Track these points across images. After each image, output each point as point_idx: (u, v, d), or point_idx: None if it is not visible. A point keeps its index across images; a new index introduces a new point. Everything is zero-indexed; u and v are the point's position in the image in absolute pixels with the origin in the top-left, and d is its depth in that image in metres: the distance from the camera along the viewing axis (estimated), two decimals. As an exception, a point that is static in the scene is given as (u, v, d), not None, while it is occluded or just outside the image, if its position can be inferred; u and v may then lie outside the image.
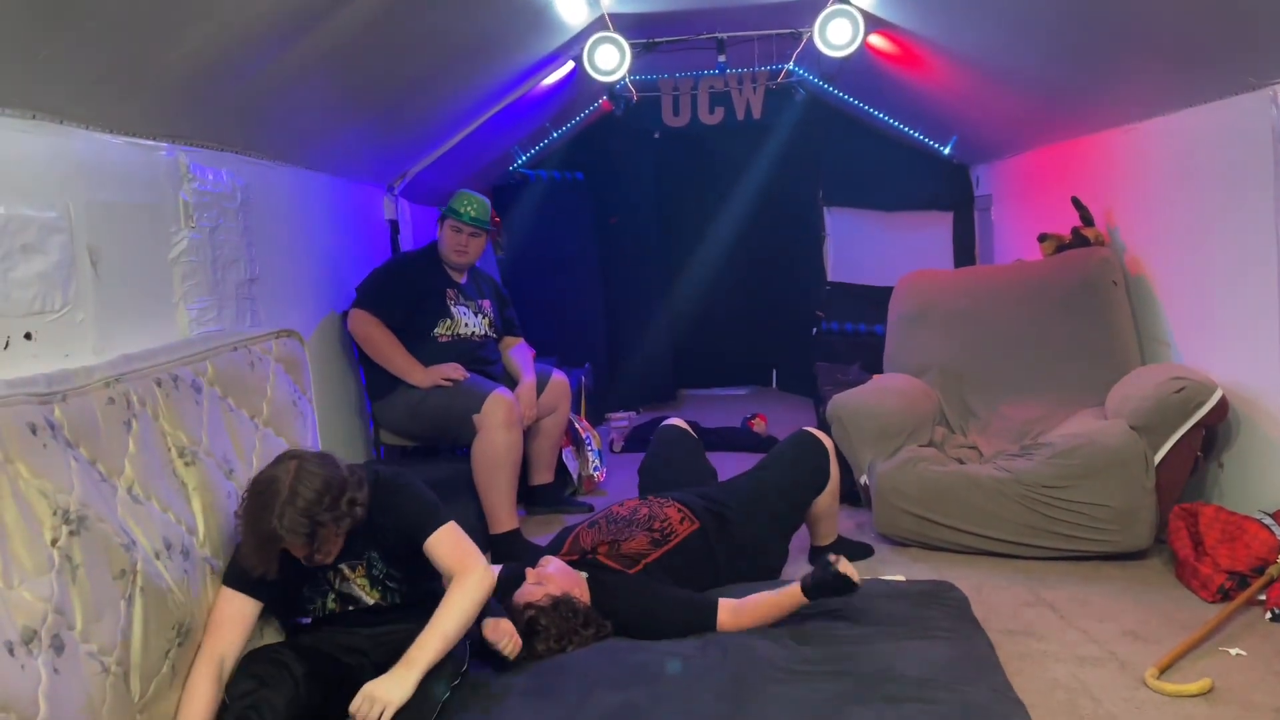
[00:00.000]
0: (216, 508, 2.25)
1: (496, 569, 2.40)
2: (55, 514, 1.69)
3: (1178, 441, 3.07)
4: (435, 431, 3.74)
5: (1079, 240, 3.94)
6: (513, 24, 3.71)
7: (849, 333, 5.34)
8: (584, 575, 2.64)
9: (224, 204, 2.76)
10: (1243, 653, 2.43)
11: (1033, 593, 2.91)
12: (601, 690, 2.21)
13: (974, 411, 3.87)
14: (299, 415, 2.76)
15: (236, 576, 2.17)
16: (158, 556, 1.97)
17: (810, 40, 4.22)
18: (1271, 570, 2.72)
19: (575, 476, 4.32)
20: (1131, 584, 2.95)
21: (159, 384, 2.16)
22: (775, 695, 2.16)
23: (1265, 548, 2.76)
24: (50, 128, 2.02)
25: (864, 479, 3.59)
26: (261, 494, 2.08)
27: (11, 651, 1.52)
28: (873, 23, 4.08)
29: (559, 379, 4.04)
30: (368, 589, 2.31)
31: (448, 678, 2.13)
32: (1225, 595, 2.74)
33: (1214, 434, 3.17)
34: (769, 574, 3.01)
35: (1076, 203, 3.96)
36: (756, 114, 4.88)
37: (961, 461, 3.51)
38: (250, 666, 2.09)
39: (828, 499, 3.15)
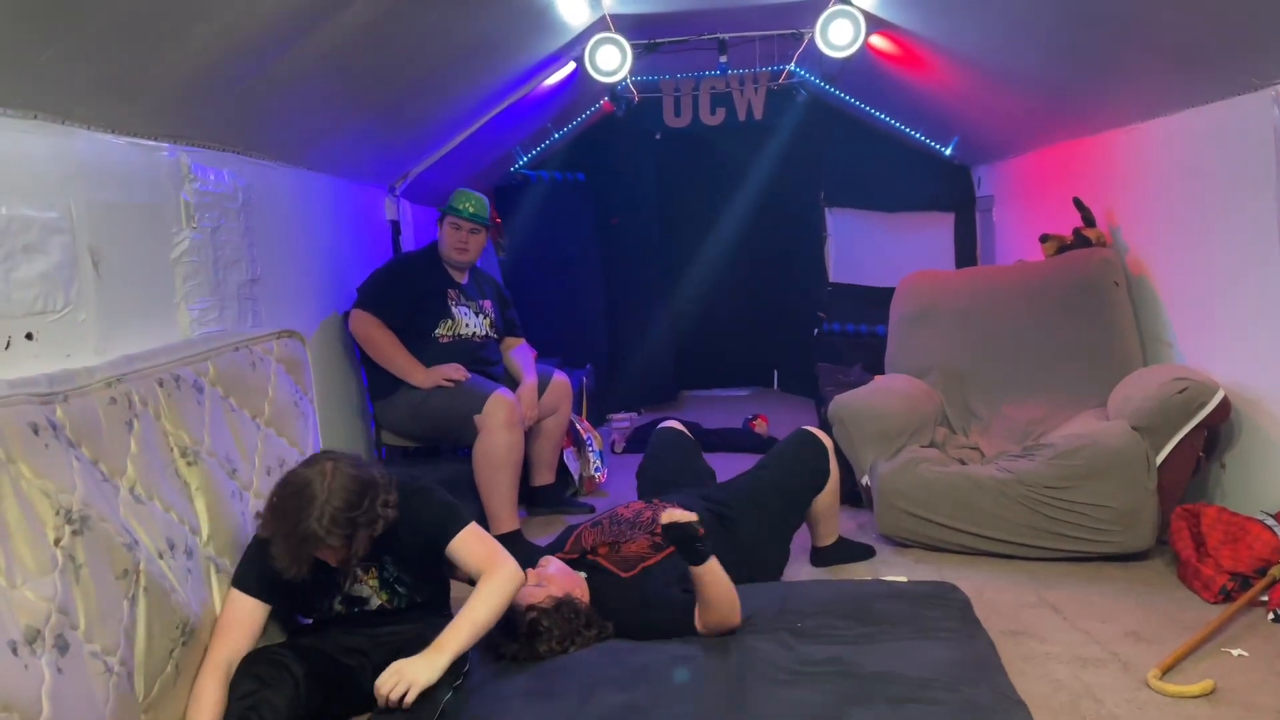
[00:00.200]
0: (220, 507, 2.25)
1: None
2: (58, 514, 1.69)
3: (1180, 442, 3.07)
4: (436, 432, 3.74)
5: (1081, 241, 3.93)
6: (514, 25, 3.71)
7: (850, 333, 5.34)
8: (583, 575, 2.64)
9: (225, 204, 2.76)
10: (1245, 654, 2.43)
11: (1035, 593, 2.91)
12: (604, 691, 2.21)
13: (976, 412, 3.87)
14: (300, 415, 2.77)
15: (246, 579, 2.17)
16: (161, 556, 1.97)
17: (812, 41, 4.22)
18: (1274, 571, 2.71)
19: (576, 477, 4.32)
20: (1134, 585, 2.95)
21: (161, 384, 2.16)
22: (777, 696, 2.16)
23: (1267, 549, 2.76)
24: (52, 128, 2.02)
25: (865, 480, 3.59)
26: (296, 494, 2.06)
27: (15, 651, 1.52)
28: (874, 23, 4.08)
29: (560, 380, 4.04)
30: (377, 591, 2.31)
31: (449, 679, 2.12)
32: (1227, 596, 2.73)
33: (1216, 435, 3.16)
34: (771, 574, 3.01)
35: (1078, 203, 3.96)
36: (758, 115, 4.88)
37: (963, 462, 3.50)
38: (251, 667, 2.09)
39: (828, 498, 3.15)
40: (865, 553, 3.31)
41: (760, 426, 5.29)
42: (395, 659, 2.10)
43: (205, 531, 2.20)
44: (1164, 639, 2.53)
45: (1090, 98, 3.80)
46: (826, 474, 3.12)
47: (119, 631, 1.78)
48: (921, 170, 5.71)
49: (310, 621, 2.39)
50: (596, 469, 4.40)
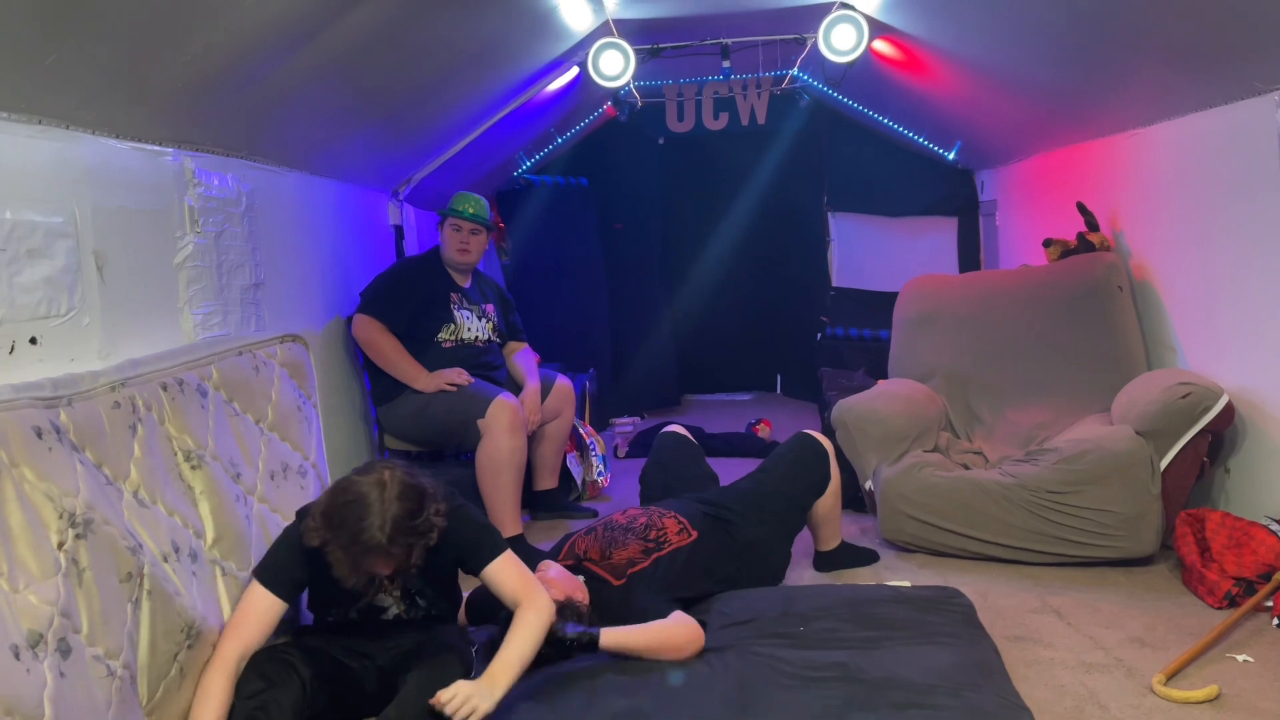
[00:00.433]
0: (224, 511, 2.25)
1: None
2: (61, 517, 1.69)
3: (1184, 447, 3.06)
4: (439, 436, 3.74)
5: (1084, 245, 3.93)
6: (517, 30, 3.72)
7: (854, 338, 5.34)
8: (582, 579, 2.64)
9: (229, 209, 2.77)
10: (1250, 659, 2.42)
11: (1039, 599, 2.90)
12: (607, 695, 2.21)
13: (979, 417, 3.86)
14: (304, 420, 2.77)
15: (274, 576, 2.15)
16: (165, 560, 1.97)
17: (815, 46, 4.22)
18: (1278, 576, 2.70)
19: (579, 482, 4.32)
20: (1138, 590, 2.95)
21: (164, 388, 2.16)
22: (781, 701, 2.16)
23: (1272, 554, 2.75)
24: (56, 133, 2.03)
25: (869, 484, 3.59)
26: (355, 503, 2.02)
27: (17, 655, 1.52)
28: (877, 28, 4.09)
29: (563, 384, 4.04)
30: (398, 601, 2.31)
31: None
32: (1232, 601, 2.73)
33: (1220, 439, 3.16)
34: (772, 577, 3.01)
35: (1082, 208, 3.95)
36: (761, 119, 4.88)
37: (967, 467, 3.50)
38: (259, 666, 2.08)
39: (829, 501, 3.14)
40: (868, 557, 3.31)
41: (763, 431, 5.29)
42: (400, 665, 2.11)
43: (210, 535, 2.20)
44: (1168, 644, 2.52)
45: (1093, 102, 3.80)
46: (827, 477, 3.12)
47: (122, 635, 1.77)
48: (925, 175, 5.71)
49: (312, 621, 2.39)
50: (599, 473, 4.40)
